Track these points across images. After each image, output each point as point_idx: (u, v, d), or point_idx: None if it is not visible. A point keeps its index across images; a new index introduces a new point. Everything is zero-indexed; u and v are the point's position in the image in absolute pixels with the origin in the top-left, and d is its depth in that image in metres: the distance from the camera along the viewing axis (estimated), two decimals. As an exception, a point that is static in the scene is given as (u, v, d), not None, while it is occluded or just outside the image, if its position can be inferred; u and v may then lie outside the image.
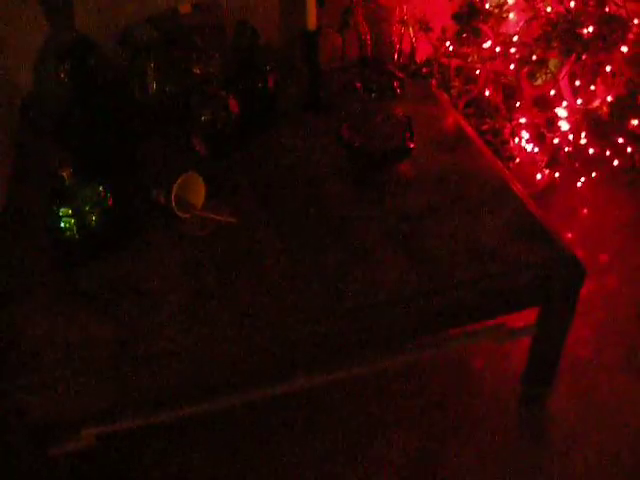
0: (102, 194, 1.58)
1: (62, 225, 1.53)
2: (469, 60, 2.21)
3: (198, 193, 1.68)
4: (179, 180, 1.60)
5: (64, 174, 1.50)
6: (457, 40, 2.14)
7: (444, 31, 2.21)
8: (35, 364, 1.36)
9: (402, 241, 1.56)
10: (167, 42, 1.97)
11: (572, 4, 2.05)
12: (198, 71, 1.74)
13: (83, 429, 1.49)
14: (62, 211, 1.52)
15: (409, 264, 1.50)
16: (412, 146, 1.71)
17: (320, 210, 1.66)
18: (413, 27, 2.06)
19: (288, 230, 1.61)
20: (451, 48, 2.19)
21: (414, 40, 2.04)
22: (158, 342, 1.38)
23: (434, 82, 2.14)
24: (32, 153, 2.00)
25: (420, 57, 2.20)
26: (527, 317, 1.66)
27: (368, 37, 2.02)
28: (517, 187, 1.71)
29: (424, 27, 2.18)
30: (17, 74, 2.28)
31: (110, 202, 1.59)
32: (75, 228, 1.53)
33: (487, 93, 2.22)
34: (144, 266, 1.55)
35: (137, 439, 1.74)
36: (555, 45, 2.06)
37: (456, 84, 2.21)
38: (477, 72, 2.21)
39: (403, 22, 1.97)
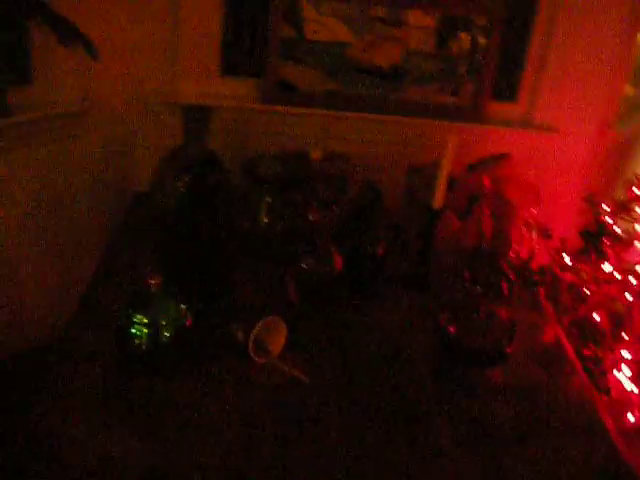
0: (182, 312, 1.53)
1: (133, 331, 1.47)
2: (583, 277, 2.12)
3: (277, 340, 1.61)
4: (261, 323, 1.53)
5: (152, 282, 1.47)
6: (577, 255, 2.07)
7: (563, 242, 2.15)
8: (64, 469, 1.28)
9: (477, 450, 1.43)
10: (290, 182, 1.98)
11: None
12: (312, 218, 1.71)
13: None
14: (137, 317, 1.47)
15: (479, 477, 1.36)
16: (509, 352, 1.61)
17: (398, 395, 1.55)
18: (537, 232, 2.01)
19: (359, 407, 1.50)
20: (568, 261, 2.11)
21: (535, 245, 1.98)
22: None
23: (543, 291, 2.05)
24: (127, 247, 2.01)
25: (536, 262, 2.13)
26: None
27: (488, 230, 1.97)
28: (608, 422, 1.57)
29: (545, 233, 2.12)
30: (137, 170, 2.35)
31: (188, 322, 1.54)
32: (145, 338, 1.48)
33: (595, 317, 2.11)
34: (202, 397, 1.48)
35: None
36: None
37: (565, 299, 2.12)
38: (589, 292, 2.11)
39: (527, 224, 1.92)
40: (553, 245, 2.16)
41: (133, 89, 2.30)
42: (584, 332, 2.10)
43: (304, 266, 1.75)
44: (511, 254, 2.02)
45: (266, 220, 1.93)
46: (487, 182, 1.97)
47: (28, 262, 2.35)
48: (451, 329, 1.64)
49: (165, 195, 1.94)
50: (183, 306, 1.54)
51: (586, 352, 2.05)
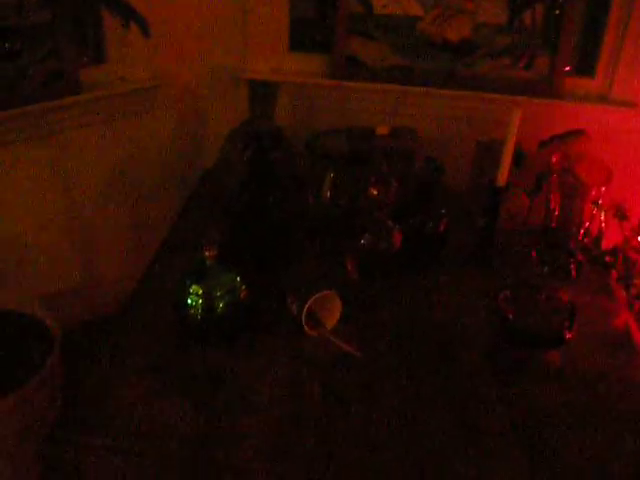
0: (237, 284, 1.54)
1: (189, 302, 1.50)
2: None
3: (332, 314, 1.60)
4: (315, 296, 1.53)
5: (207, 254, 1.49)
6: (651, 237, 1.98)
7: (639, 223, 2.06)
8: (108, 428, 1.32)
9: (526, 434, 1.39)
10: (353, 157, 1.96)
11: None
12: (373, 194, 1.69)
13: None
14: (193, 288, 1.50)
15: (524, 463, 1.32)
16: (568, 336, 1.55)
17: (450, 374, 1.53)
18: (606, 211, 1.92)
19: (410, 385, 1.49)
20: (644, 243, 2.02)
21: (603, 225, 1.89)
22: (237, 453, 1.30)
23: (614, 274, 1.96)
24: (193, 220, 2.05)
25: (607, 244, 2.04)
26: None
27: (557, 208, 1.90)
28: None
29: (620, 214, 2.03)
30: (207, 145, 2.38)
31: (243, 295, 1.55)
32: (200, 308, 1.50)
33: (670, 303, 2.02)
34: (253, 369, 1.49)
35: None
36: None
37: (638, 283, 2.03)
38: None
39: (596, 203, 1.85)
40: (628, 226, 2.06)
41: (203, 66, 2.33)
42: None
43: (363, 242, 1.74)
44: (580, 234, 1.95)
45: (328, 195, 1.91)
46: (557, 159, 1.90)
47: (102, 233, 2.42)
48: (509, 309, 1.60)
49: (228, 169, 1.96)
50: (238, 278, 1.56)
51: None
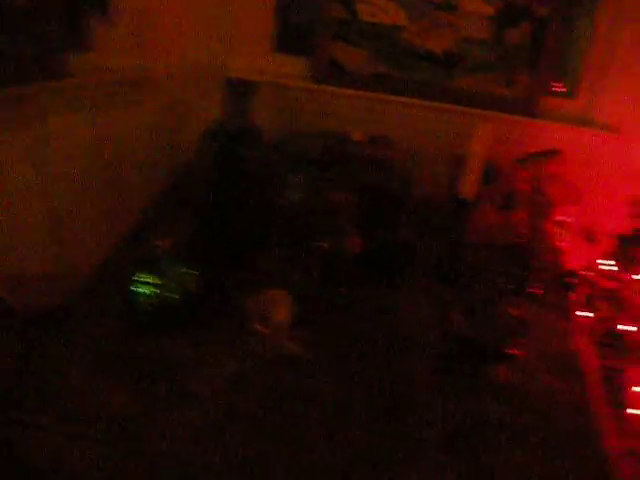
0: (188, 276, 1.56)
1: (138, 290, 1.51)
2: (620, 285, 2.02)
3: (284, 313, 1.60)
4: (266, 294, 1.54)
5: (159, 244, 1.50)
6: (615, 260, 1.98)
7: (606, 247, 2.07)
8: (49, 409, 1.34)
9: (461, 448, 1.39)
10: (324, 161, 1.97)
11: None
12: (333, 198, 1.70)
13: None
14: (142, 277, 1.50)
15: (455, 475, 1.33)
16: (516, 353, 1.55)
17: (395, 382, 1.53)
18: (574, 233, 1.93)
19: (353, 390, 1.49)
20: (608, 267, 2.02)
21: (565, 244, 1.90)
22: (174, 442, 1.30)
23: (574, 296, 1.96)
24: (163, 211, 2.09)
25: (573, 264, 2.04)
26: None
27: (524, 226, 1.91)
28: (611, 442, 1.48)
29: (589, 237, 2.04)
30: (189, 139, 2.39)
31: (193, 287, 1.56)
32: (149, 298, 1.52)
33: (627, 328, 2.01)
34: (198, 360, 1.50)
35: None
36: None
37: (602, 307, 2.02)
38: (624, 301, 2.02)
39: (559, 223, 1.85)
40: (598, 249, 2.07)
41: (187, 60, 2.34)
42: (619, 344, 2.01)
43: (322, 244, 1.74)
44: (545, 252, 1.95)
45: (296, 197, 1.92)
46: (528, 177, 1.91)
47: (78, 220, 2.43)
48: (459, 322, 1.60)
49: (199, 164, 1.98)
50: (191, 271, 1.56)
51: (609, 363, 1.96)
